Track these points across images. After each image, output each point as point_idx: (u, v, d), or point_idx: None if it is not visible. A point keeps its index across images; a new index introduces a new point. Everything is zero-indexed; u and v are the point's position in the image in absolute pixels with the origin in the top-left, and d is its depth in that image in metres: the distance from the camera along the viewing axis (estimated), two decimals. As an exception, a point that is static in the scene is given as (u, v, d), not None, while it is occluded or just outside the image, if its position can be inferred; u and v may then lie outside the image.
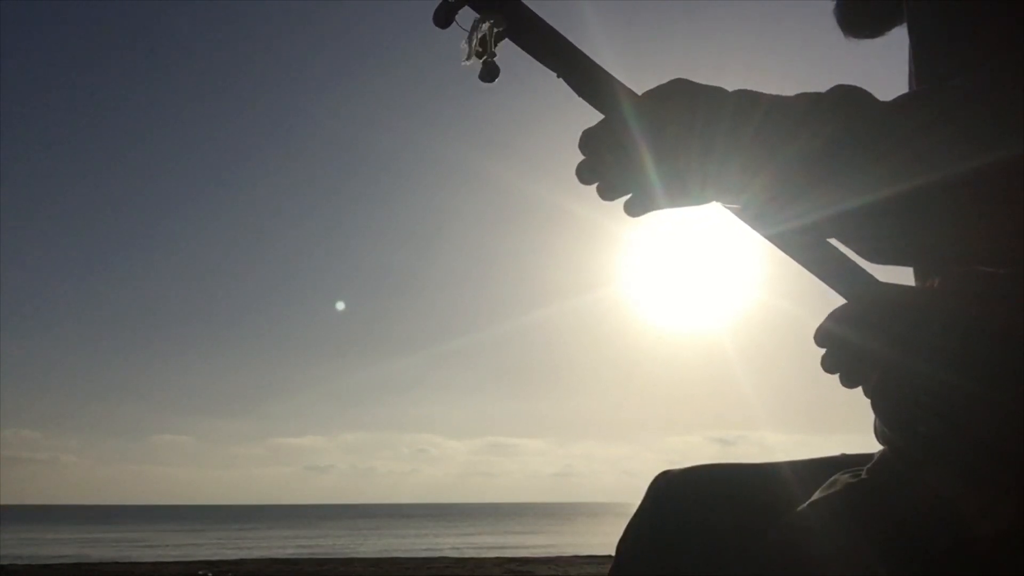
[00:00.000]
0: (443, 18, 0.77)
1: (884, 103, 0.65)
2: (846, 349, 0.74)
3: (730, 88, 0.72)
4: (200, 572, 12.38)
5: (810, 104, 0.67)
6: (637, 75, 0.76)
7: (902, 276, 0.82)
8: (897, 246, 0.68)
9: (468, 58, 0.79)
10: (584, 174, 0.78)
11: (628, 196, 0.78)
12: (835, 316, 0.75)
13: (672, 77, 0.73)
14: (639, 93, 0.75)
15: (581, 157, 0.78)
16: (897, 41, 0.89)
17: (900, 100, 0.65)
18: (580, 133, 0.77)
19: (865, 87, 0.67)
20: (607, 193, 0.78)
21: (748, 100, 0.69)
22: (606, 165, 0.77)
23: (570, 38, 0.78)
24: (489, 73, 0.79)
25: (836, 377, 0.76)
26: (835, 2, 0.95)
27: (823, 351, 0.73)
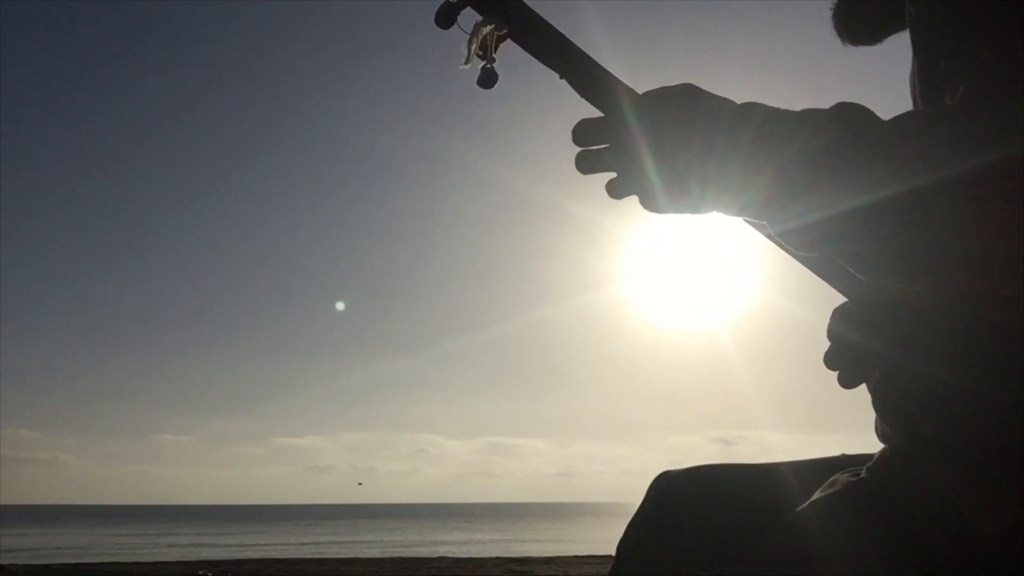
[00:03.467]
0: (445, 19, 0.77)
1: (885, 119, 0.65)
2: (848, 348, 0.74)
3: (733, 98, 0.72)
4: (200, 572, 12.38)
5: (811, 110, 0.68)
6: (637, 75, 0.76)
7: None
8: (896, 250, 0.68)
9: (467, 62, 0.79)
10: (581, 164, 0.79)
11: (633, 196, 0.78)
12: (837, 314, 0.76)
13: (671, 77, 0.74)
14: (640, 93, 0.75)
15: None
16: (897, 43, 0.89)
17: (900, 117, 0.66)
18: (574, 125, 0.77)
19: (866, 91, 0.67)
20: (615, 192, 0.78)
21: (750, 104, 0.70)
22: (605, 164, 0.77)
23: (571, 38, 0.78)
24: (488, 79, 0.79)
25: (835, 376, 0.76)
26: (832, 10, 0.95)
27: (826, 348, 0.74)
